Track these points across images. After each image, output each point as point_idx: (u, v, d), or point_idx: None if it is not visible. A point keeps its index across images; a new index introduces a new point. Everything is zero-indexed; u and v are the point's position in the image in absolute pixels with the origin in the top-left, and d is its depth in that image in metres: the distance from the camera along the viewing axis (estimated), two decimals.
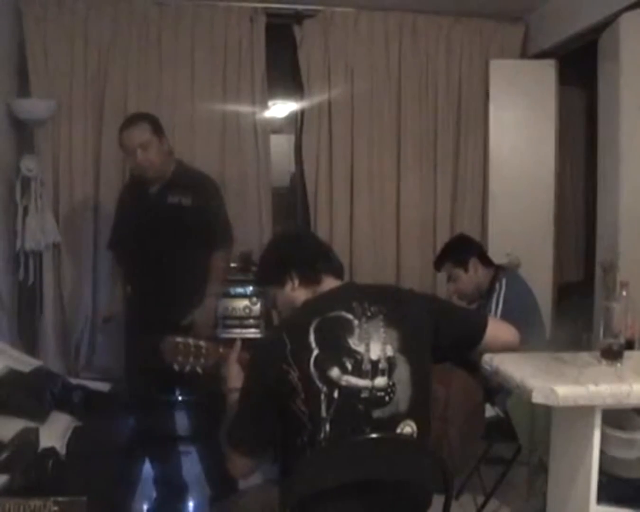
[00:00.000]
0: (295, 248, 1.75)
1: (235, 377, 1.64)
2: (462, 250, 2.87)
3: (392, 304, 1.55)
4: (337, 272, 1.67)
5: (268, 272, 1.75)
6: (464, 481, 2.77)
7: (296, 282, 1.65)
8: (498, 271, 2.83)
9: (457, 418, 1.65)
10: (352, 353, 1.45)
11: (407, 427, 1.47)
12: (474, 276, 2.80)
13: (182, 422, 3.14)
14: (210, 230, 2.71)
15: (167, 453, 2.88)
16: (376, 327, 1.49)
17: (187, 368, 1.68)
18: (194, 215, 2.67)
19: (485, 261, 2.84)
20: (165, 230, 2.66)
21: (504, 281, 2.73)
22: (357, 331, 1.47)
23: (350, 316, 1.49)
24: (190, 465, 2.94)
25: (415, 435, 1.48)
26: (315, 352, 1.43)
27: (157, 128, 2.69)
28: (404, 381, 1.47)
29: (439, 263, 2.94)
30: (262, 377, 1.48)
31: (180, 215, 2.67)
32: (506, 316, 2.52)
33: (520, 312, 2.52)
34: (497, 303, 2.67)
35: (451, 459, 1.53)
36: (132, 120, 2.70)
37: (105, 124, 3.58)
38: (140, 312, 2.73)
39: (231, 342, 1.72)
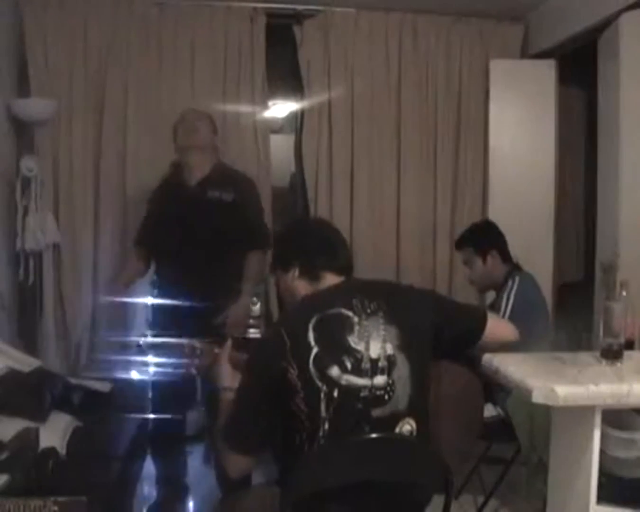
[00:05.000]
0: (300, 239, 1.76)
1: (226, 376, 1.64)
2: (485, 239, 2.86)
3: (392, 300, 1.55)
4: (342, 270, 1.66)
5: (276, 253, 1.78)
6: (464, 481, 2.77)
7: (296, 272, 1.65)
8: (513, 268, 2.83)
9: (449, 413, 1.65)
10: (351, 352, 1.45)
11: (407, 426, 1.47)
12: (490, 267, 2.81)
13: (191, 421, 3.11)
14: (249, 229, 2.69)
15: (173, 453, 2.84)
16: (376, 324, 1.48)
17: (182, 369, 1.69)
18: (233, 212, 2.65)
19: (505, 255, 2.85)
20: (203, 225, 2.63)
21: (517, 279, 2.73)
22: (356, 328, 1.47)
23: (349, 313, 1.49)
24: (191, 465, 2.94)
25: (414, 433, 1.48)
26: (315, 350, 1.43)
27: (214, 122, 2.84)
28: (403, 379, 1.47)
29: (460, 244, 2.93)
30: (262, 374, 1.47)
31: (220, 211, 2.65)
32: (514, 314, 2.54)
33: (528, 310, 2.53)
34: (508, 299, 2.68)
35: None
36: (197, 110, 2.91)
37: (105, 124, 3.58)
38: (172, 307, 2.64)
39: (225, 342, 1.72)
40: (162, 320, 2.72)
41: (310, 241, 1.73)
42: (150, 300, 2.95)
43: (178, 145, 2.80)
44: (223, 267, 2.61)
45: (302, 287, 1.64)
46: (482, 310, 1.88)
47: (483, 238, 2.87)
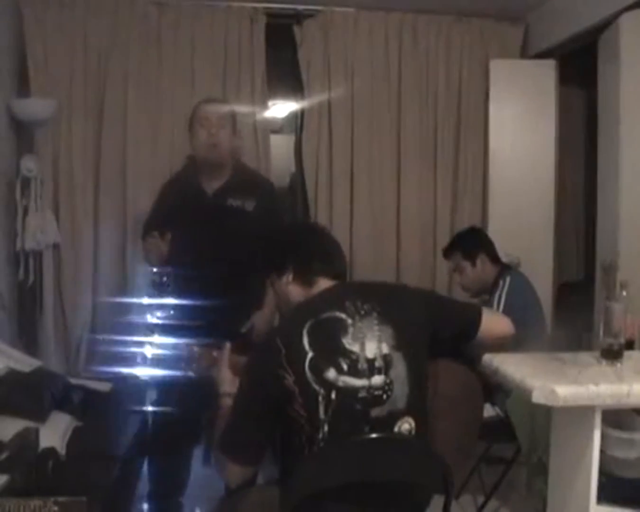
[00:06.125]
0: (296, 243, 1.74)
1: (226, 381, 1.64)
2: (472, 243, 2.90)
3: (385, 300, 1.55)
4: (336, 276, 1.66)
5: (270, 257, 1.75)
6: (464, 481, 2.77)
7: (290, 276, 1.65)
8: (503, 268, 2.85)
9: (448, 413, 1.65)
10: (347, 353, 1.45)
11: (406, 424, 1.47)
12: (480, 271, 2.84)
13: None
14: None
15: (172, 455, 2.79)
16: (370, 324, 1.49)
17: (180, 373, 1.69)
18: (256, 221, 2.55)
19: (493, 257, 2.87)
20: (223, 234, 2.50)
21: (507, 279, 2.75)
22: (351, 330, 1.47)
23: (343, 316, 1.49)
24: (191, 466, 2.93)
25: (413, 432, 1.48)
26: (310, 355, 1.43)
27: (235, 118, 2.67)
28: (401, 378, 1.47)
29: (448, 252, 2.96)
30: (258, 384, 1.47)
31: (242, 220, 2.55)
32: (507, 313, 2.54)
33: (521, 310, 2.54)
34: (499, 300, 2.70)
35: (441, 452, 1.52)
36: (216, 98, 2.69)
37: (105, 124, 3.58)
38: (194, 319, 2.51)
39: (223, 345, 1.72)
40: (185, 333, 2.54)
41: (306, 246, 1.72)
42: (169, 300, 2.75)
43: (195, 149, 2.65)
44: (246, 277, 2.49)
45: (295, 291, 1.64)
46: (477, 306, 1.88)
47: (470, 242, 2.91)
